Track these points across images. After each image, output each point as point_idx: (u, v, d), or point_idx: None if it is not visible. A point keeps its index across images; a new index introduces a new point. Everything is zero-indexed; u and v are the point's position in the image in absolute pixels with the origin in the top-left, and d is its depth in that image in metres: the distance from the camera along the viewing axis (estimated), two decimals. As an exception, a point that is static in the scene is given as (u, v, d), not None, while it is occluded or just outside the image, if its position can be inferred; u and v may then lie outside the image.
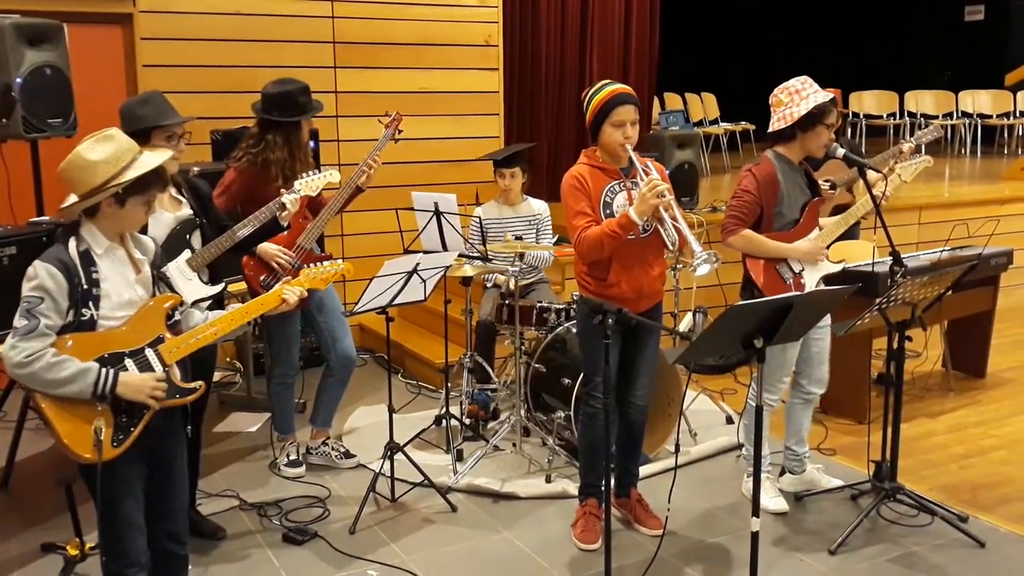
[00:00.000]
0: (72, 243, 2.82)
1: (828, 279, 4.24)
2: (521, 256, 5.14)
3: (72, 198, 2.85)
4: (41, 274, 2.74)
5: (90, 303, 2.80)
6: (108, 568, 2.97)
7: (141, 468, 2.95)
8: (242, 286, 4.88)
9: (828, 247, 4.33)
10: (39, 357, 2.70)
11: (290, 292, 3.16)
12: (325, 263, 3.37)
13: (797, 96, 4.06)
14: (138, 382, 2.84)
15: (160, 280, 3.02)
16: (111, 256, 2.89)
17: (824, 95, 4.06)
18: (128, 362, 2.86)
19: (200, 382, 3.03)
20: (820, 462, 4.78)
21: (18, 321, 2.73)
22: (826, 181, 5.14)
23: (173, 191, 3.95)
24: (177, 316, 3.02)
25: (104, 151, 2.81)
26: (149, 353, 2.91)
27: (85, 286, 2.79)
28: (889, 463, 4.31)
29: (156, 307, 2.96)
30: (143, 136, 3.66)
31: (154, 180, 2.89)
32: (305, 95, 4.69)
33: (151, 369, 2.90)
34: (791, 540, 4.16)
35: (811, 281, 4.20)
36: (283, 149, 4.61)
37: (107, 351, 2.84)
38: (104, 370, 2.79)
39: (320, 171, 4.50)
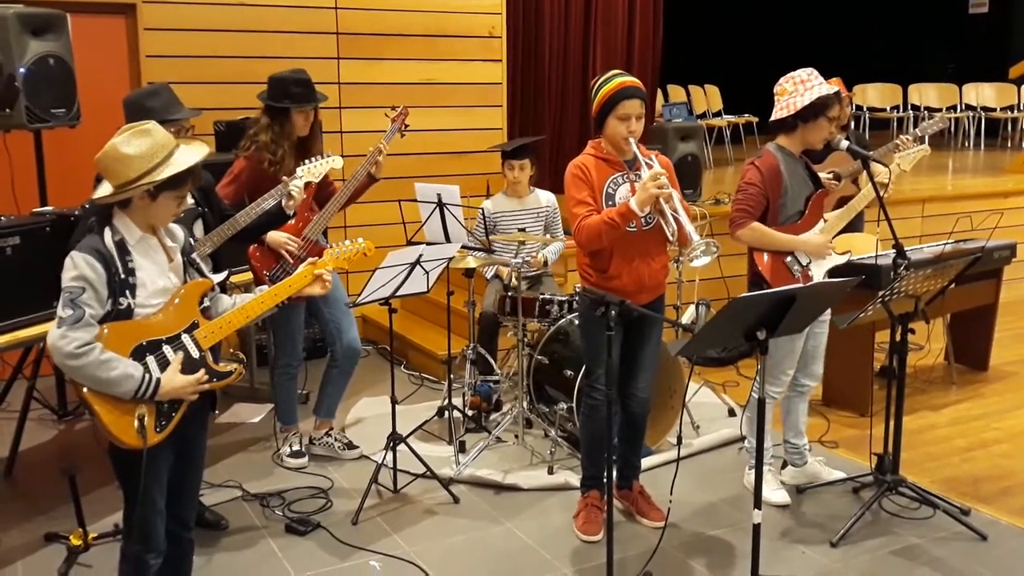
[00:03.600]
0: (107, 233, 2.84)
1: (833, 271, 4.23)
2: (546, 263, 5.24)
3: (104, 187, 2.87)
4: (80, 264, 2.75)
5: (127, 292, 2.82)
6: (129, 551, 3.02)
7: (169, 454, 2.98)
8: (246, 276, 4.89)
9: (832, 239, 4.33)
10: (89, 351, 2.73)
11: (323, 272, 3.19)
12: (346, 242, 3.38)
13: (802, 86, 4.06)
14: (177, 388, 2.88)
15: (190, 266, 3.05)
16: (144, 245, 2.91)
17: (828, 88, 4.05)
18: (166, 348, 2.89)
19: (235, 365, 3.06)
20: (822, 455, 4.79)
21: (63, 311, 2.73)
22: (830, 173, 5.13)
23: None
24: (207, 302, 3.05)
25: (140, 145, 2.82)
26: (186, 339, 2.94)
27: (122, 275, 2.81)
28: (891, 456, 4.31)
29: (190, 293, 2.98)
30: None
31: (187, 176, 2.91)
32: (300, 85, 4.65)
33: (188, 354, 2.93)
34: (793, 532, 4.16)
35: (818, 274, 4.19)
36: (267, 133, 4.61)
37: (145, 339, 2.86)
38: (147, 377, 2.82)
39: (319, 158, 4.50)
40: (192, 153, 2.92)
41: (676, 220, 3.73)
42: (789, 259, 4.17)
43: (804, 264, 4.19)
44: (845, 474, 4.58)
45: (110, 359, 2.76)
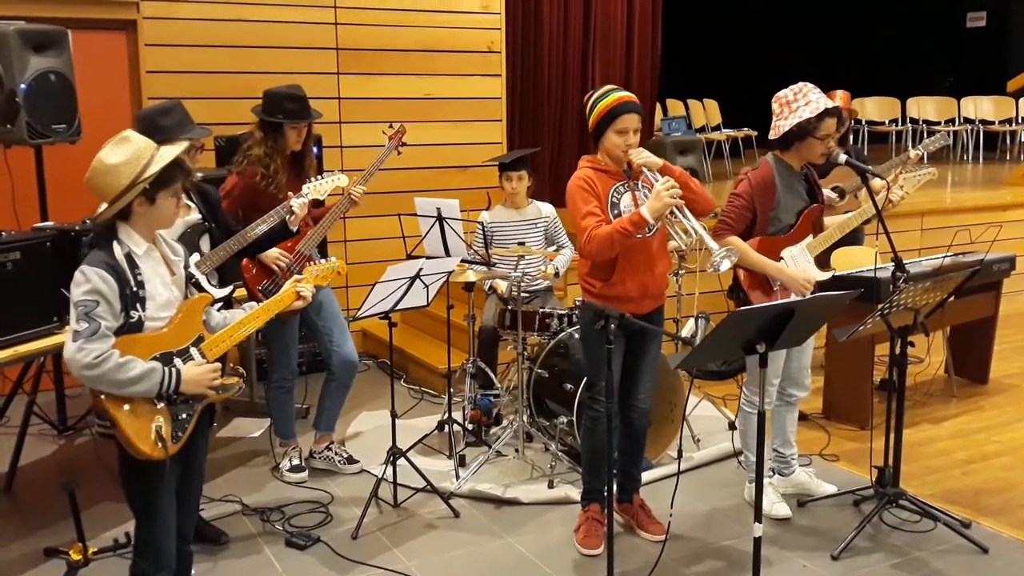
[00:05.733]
0: (116, 247, 2.87)
1: (820, 287, 4.23)
2: (557, 275, 5.27)
3: (104, 207, 2.89)
4: (93, 278, 2.78)
5: (138, 305, 2.87)
6: (138, 569, 3.04)
7: (177, 467, 3.01)
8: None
9: (830, 253, 4.33)
10: (107, 358, 2.76)
11: (304, 288, 3.27)
12: (322, 261, 3.54)
13: (787, 109, 4.09)
14: (198, 376, 2.95)
15: (188, 281, 3.10)
16: (150, 258, 2.95)
17: (812, 109, 4.03)
18: (177, 361, 2.94)
19: (235, 379, 3.12)
20: (823, 468, 4.79)
21: (78, 325, 2.76)
22: (834, 188, 5.14)
23: (183, 196, 3.98)
24: (203, 316, 3.10)
25: (124, 153, 2.87)
26: (194, 352, 3.00)
27: (133, 288, 2.86)
28: (891, 469, 4.31)
29: (195, 307, 3.04)
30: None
31: (178, 172, 2.96)
32: (293, 101, 4.67)
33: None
34: (793, 545, 4.15)
35: None
36: (260, 147, 4.63)
37: (158, 351, 2.91)
38: (167, 369, 2.88)
39: (325, 176, 4.52)
40: (175, 148, 2.99)
41: (691, 228, 3.71)
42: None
43: None
44: (836, 487, 4.58)
45: (128, 360, 2.80)
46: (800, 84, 4.14)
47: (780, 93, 4.14)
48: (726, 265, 3.63)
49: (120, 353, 2.79)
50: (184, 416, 2.95)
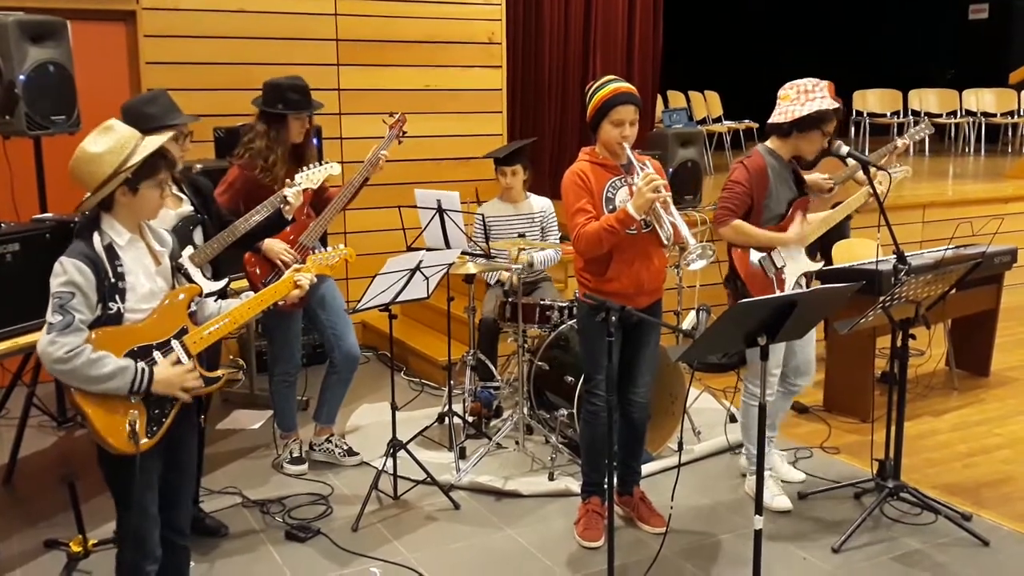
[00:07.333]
0: (96, 238, 2.84)
1: (822, 277, 4.25)
2: (531, 265, 5.19)
3: (87, 196, 2.88)
4: (69, 270, 2.75)
5: (116, 296, 2.83)
6: (124, 559, 3.02)
7: (159, 460, 2.98)
8: (245, 283, 4.88)
9: (830, 247, 4.34)
10: (79, 353, 2.73)
11: (302, 277, 3.21)
12: (328, 249, 3.45)
13: (804, 96, 4.09)
14: (170, 377, 2.90)
15: (178, 271, 3.07)
16: (133, 248, 2.92)
17: (830, 103, 4.08)
18: (156, 355, 2.91)
19: (222, 371, 3.09)
20: (823, 460, 4.78)
21: (52, 317, 2.74)
22: (828, 179, 5.13)
23: (174, 188, 3.96)
24: (193, 307, 3.06)
25: (107, 142, 2.84)
26: (175, 344, 2.95)
27: (112, 279, 2.82)
28: (892, 461, 4.31)
29: (179, 299, 3.00)
30: (150, 135, 3.67)
31: (162, 162, 2.92)
32: (296, 92, 4.65)
33: (178, 360, 2.94)
34: (794, 538, 4.15)
35: (791, 277, 4.24)
36: (263, 139, 4.60)
37: (136, 344, 2.87)
38: (140, 368, 2.83)
39: (321, 165, 4.51)
40: (159, 138, 2.96)
41: (672, 224, 3.74)
42: (766, 261, 4.19)
43: (779, 266, 4.21)
44: (804, 474, 4.62)
45: (101, 356, 2.77)
46: (816, 79, 4.17)
47: (799, 81, 4.16)
48: (699, 264, 3.66)
49: (94, 348, 2.76)
50: (158, 411, 2.91)
